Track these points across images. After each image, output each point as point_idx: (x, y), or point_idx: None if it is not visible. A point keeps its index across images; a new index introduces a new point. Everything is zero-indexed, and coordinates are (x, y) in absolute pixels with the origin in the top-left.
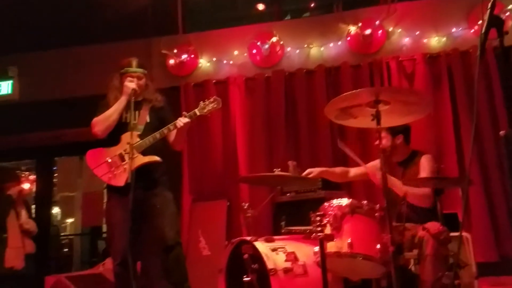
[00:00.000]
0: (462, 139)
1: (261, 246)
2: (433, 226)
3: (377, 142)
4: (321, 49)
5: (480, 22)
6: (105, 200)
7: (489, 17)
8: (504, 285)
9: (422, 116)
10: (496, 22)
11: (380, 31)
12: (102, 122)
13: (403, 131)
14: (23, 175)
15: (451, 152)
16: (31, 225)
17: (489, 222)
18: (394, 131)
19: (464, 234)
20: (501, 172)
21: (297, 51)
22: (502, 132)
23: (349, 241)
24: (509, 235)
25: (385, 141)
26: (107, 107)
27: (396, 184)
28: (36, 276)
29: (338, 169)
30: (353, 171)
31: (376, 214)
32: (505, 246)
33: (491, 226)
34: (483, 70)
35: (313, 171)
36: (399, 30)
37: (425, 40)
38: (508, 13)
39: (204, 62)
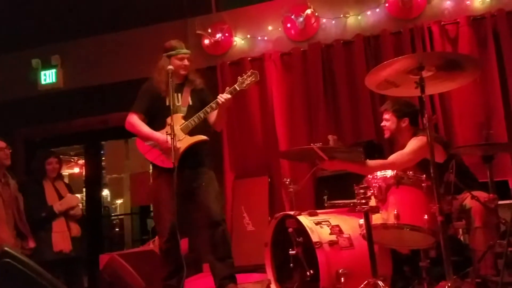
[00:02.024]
0: (511, 104)
1: (305, 220)
2: (482, 194)
3: (382, 124)
4: (359, 18)
5: None
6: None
7: None
8: None
9: (469, 81)
10: None
11: None
12: (133, 131)
13: (410, 113)
14: (72, 160)
15: (499, 118)
16: (76, 209)
17: None
18: (400, 113)
19: None
20: None
21: (333, 21)
22: None
23: (395, 212)
24: None
25: (390, 123)
26: (147, 95)
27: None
28: (90, 256)
29: None
30: None
31: (423, 184)
32: None
33: None
34: None
35: None
36: None
37: (468, 2)
38: None
39: (239, 40)
